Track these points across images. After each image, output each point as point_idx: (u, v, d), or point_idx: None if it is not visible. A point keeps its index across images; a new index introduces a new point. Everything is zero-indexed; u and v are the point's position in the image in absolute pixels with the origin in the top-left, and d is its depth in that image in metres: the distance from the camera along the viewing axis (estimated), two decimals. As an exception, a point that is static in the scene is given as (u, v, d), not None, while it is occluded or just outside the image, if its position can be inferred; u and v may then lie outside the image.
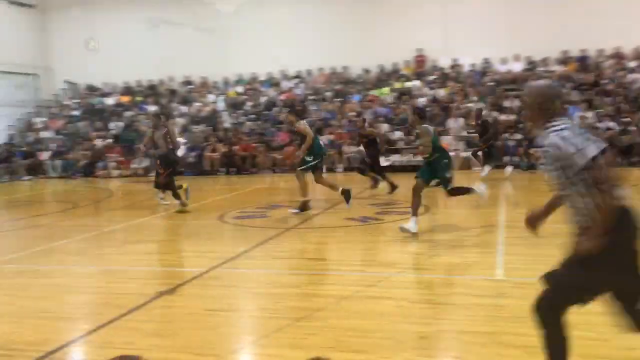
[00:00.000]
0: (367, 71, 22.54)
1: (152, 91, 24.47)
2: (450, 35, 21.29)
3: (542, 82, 3.66)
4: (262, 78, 23.71)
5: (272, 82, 23.38)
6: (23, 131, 23.91)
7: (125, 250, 8.26)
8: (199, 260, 7.09)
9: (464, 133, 18.51)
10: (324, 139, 18.61)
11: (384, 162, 15.53)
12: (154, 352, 4.08)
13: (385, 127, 19.17)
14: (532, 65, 20.59)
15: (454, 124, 18.76)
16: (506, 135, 17.73)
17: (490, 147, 15.11)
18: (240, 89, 23.53)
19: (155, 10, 24.02)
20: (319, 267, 6.45)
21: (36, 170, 21.39)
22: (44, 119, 24.48)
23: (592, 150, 2.86)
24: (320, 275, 6.08)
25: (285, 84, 23.13)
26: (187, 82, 24.49)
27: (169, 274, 6.39)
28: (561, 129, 2.95)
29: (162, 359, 3.97)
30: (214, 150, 19.77)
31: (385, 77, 22.23)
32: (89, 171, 20.63)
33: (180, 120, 21.88)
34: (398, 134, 19.16)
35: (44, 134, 23.15)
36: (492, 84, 20.35)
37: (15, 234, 10.05)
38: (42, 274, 6.79)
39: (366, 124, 13.69)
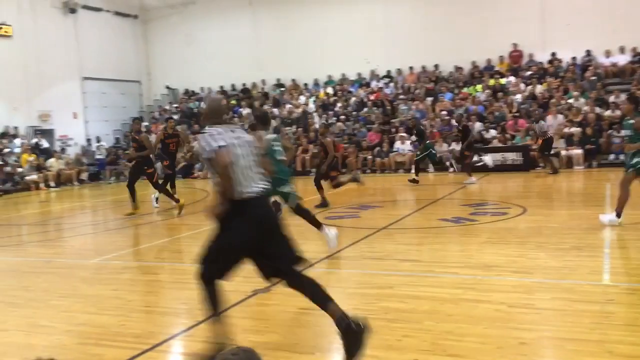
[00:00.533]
0: (459, 69, 22.02)
1: (245, 94, 25.21)
2: (548, 28, 20.38)
3: (217, 96, 5.34)
4: (352, 79, 23.78)
5: (362, 83, 23.39)
6: (128, 135, 25.38)
7: (222, 249, 8.51)
8: (292, 259, 7.18)
9: (565, 130, 17.64)
10: (413, 139, 18.38)
11: (474, 160, 15.27)
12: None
13: (478, 125, 18.65)
14: (638, 57, 19.29)
15: (553, 120, 17.92)
16: (611, 132, 16.75)
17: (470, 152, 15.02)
18: (330, 90, 23.73)
19: (247, 15, 24.80)
20: (412, 268, 6.36)
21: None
22: (146, 124, 25.85)
23: (214, 146, 3.80)
24: (414, 276, 5.99)
25: (375, 84, 23.07)
26: (279, 85, 25.01)
27: (264, 273, 6.52)
28: (209, 133, 3.92)
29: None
30: (304, 151, 20.05)
31: (479, 74, 21.63)
32: (187, 172, 21.54)
33: (272, 122, 22.37)
34: (492, 133, 18.57)
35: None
36: (594, 78, 19.26)
37: (121, 232, 10.67)
38: (147, 270, 7.15)
39: (327, 135, 12.50)
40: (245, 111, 23.75)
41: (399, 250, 7.40)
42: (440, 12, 21.95)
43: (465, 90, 21.13)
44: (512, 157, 17.26)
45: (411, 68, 22.76)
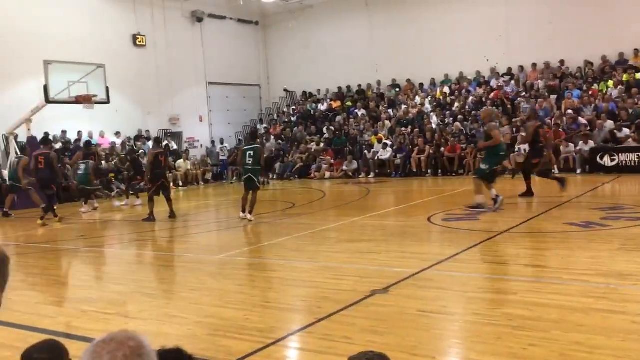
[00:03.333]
0: (588, 64, 20.66)
1: (360, 96, 25.36)
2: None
3: None
4: (470, 77, 23.14)
5: (481, 81, 22.68)
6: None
7: (339, 249, 8.66)
8: (409, 261, 7.14)
9: None
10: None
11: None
12: (370, 349, 4.19)
13: (609, 124, 17.41)
14: None
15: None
16: None
17: None
18: (447, 89, 23.24)
19: (364, 16, 24.95)
20: (537, 274, 6.07)
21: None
22: (266, 126, 26.85)
23: None
24: (539, 283, 5.71)
25: (495, 82, 22.26)
26: (394, 85, 24.90)
27: (381, 274, 6.53)
28: None
29: (378, 356, 4.07)
30: (420, 152, 19.79)
31: (610, 69, 20.18)
32: (304, 173, 22.05)
33: (388, 123, 22.33)
34: (626, 132, 17.25)
35: (266, 139, 25.32)
36: None
37: (243, 230, 11.14)
38: (267, 267, 7.41)
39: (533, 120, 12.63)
40: (361, 112, 23.89)
41: (523, 255, 7.10)
42: (566, 4, 20.72)
43: (594, 86, 19.81)
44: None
45: (534, 65, 21.70)
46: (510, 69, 22.25)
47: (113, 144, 21.26)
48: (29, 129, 17.00)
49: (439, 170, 19.24)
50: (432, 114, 21.97)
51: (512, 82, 21.93)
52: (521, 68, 21.99)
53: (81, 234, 11.39)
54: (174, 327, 5.16)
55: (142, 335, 1.57)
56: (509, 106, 20.60)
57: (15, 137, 17.51)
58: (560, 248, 7.48)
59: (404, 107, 23.08)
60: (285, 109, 27.35)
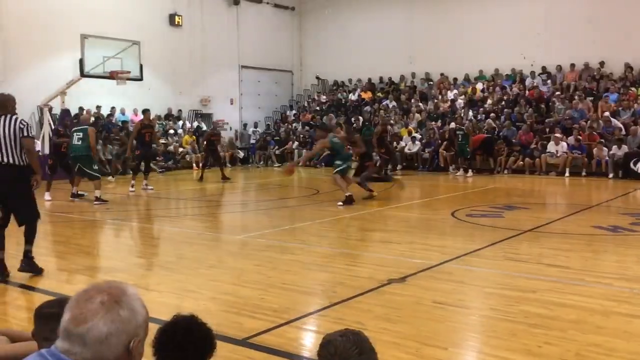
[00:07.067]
0: (629, 67, 20.11)
1: (392, 87, 25.14)
2: None
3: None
4: (505, 74, 22.75)
5: (516, 79, 22.28)
6: (278, 122, 26.53)
7: (359, 237, 8.63)
8: (430, 253, 7.07)
9: None
10: (570, 140, 17.32)
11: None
12: (384, 335, 4.16)
13: (646, 129, 16.96)
14: None
15: None
16: None
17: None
18: (480, 85, 22.90)
19: (402, 7, 24.70)
20: (559, 274, 5.95)
21: (285, 158, 23.54)
22: (296, 112, 26.85)
23: None
24: (560, 283, 5.60)
25: (531, 81, 21.85)
26: (427, 79, 24.63)
27: (400, 263, 6.48)
28: None
29: (390, 343, 4.04)
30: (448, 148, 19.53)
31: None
32: (330, 161, 21.96)
33: (418, 116, 22.11)
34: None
35: (295, 126, 25.34)
36: None
37: (266, 213, 11.18)
38: (287, 250, 7.42)
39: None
40: (392, 104, 23.71)
41: (545, 255, 6.97)
42: (609, 4, 20.19)
43: (631, 90, 19.30)
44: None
45: (572, 65, 21.22)
46: (544, 68, 21.80)
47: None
48: (63, 102, 17.29)
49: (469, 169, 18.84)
50: (466, 109, 21.58)
51: (549, 81, 21.50)
52: (559, 67, 21.53)
53: (107, 207, 11.56)
54: (189, 301, 5.20)
55: (129, 286, 1.56)
56: (542, 106, 20.22)
57: (50, 109, 17.84)
58: (586, 250, 7.33)
59: (435, 101, 22.83)
60: (315, 97, 27.28)
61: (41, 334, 2.29)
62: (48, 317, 2.22)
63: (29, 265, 6.11)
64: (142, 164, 14.27)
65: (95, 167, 12.18)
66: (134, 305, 1.51)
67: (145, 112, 14.47)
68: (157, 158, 19.64)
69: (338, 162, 11.46)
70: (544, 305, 4.85)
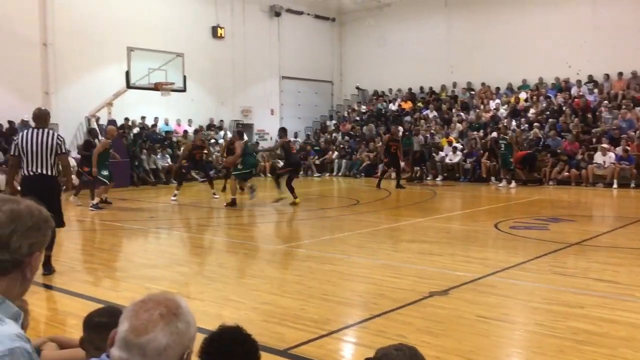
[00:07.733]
0: (678, 75, 19.47)
1: (432, 97, 24.94)
2: None
3: None
4: (549, 83, 22.30)
5: (560, 88, 21.80)
6: (318, 132, 26.61)
7: (400, 248, 8.56)
8: (472, 265, 6.96)
9: None
10: (618, 150, 16.90)
11: None
12: (426, 349, 4.06)
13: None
14: None
15: None
16: None
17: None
18: (523, 94, 22.49)
19: (442, 17, 24.54)
20: (607, 289, 5.76)
21: (324, 168, 23.57)
22: (335, 122, 26.89)
23: None
24: (609, 298, 5.42)
25: (576, 90, 21.34)
26: (469, 89, 24.34)
27: (441, 276, 6.39)
28: None
29: (433, 357, 3.97)
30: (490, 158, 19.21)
31: None
32: (370, 171, 21.92)
33: (459, 126, 21.86)
34: None
35: (335, 136, 25.36)
36: None
37: (306, 224, 11.20)
38: (327, 260, 7.41)
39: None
40: (433, 114, 23.50)
41: (593, 269, 6.76)
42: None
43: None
44: None
45: (620, 73, 20.65)
46: (590, 76, 21.27)
47: (185, 132, 21.90)
48: (109, 112, 17.76)
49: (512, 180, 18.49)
50: (509, 119, 21.20)
51: (596, 90, 20.97)
52: (607, 76, 20.97)
53: (151, 215, 11.78)
54: (230, 310, 5.24)
55: (182, 298, 1.59)
56: (589, 115, 19.72)
57: (97, 120, 18.35)
58: (635, 265, 7.07)
59: (477, 110, 22.53)
60: (355, 107, 27.28)
61: (93, 342, 2.33)
62: (100, 326, 2.27)
63: (46, 265, 6.53)
64: (202, 174, 14.70)
65: (105, 172, 12.66)
66: (188, 318, 1.55)
67: (197, 132, 14.88)
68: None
69: (239, 167, 13.02)
70: (593, 322, 4.70)
